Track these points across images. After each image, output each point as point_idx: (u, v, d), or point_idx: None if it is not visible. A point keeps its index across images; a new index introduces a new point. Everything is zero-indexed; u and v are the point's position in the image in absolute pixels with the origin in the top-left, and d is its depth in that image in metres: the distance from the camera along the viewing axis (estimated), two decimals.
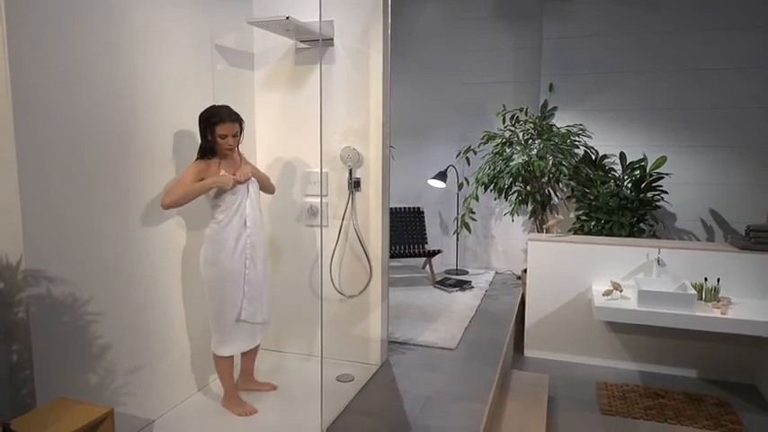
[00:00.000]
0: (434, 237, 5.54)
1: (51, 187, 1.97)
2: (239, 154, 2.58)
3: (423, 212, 5.29)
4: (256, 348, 2.78)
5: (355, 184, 3.05)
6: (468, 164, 5.03)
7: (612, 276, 3.72)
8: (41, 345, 1.94)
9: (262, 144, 3.20)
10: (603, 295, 3.50)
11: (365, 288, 3.11)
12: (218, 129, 2.39)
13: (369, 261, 3.08)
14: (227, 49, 2.91)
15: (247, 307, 2.53)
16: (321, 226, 2.79)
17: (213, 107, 2.45)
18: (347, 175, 3.04)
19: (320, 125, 2.35)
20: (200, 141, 2.47)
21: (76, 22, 2.04)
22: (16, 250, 1.87)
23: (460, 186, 5.22)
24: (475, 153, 4.89)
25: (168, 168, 2.54)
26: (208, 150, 2.44)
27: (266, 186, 2.71)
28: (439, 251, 5.11)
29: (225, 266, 2.47)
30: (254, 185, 2.55)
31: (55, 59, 1.96)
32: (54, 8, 1.94)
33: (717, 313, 3.20)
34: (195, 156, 2.48)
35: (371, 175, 3.06)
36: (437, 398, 2.76)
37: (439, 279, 4.95)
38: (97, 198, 2.17)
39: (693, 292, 3.29)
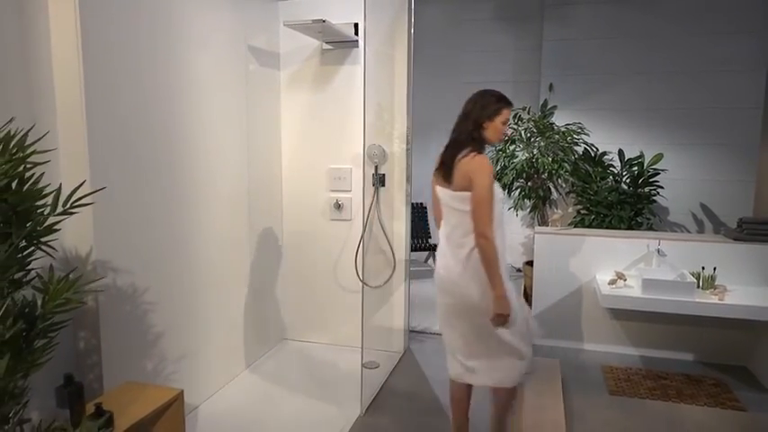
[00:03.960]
0: (435, 231, 5.68)
1: (117, 183, 2.07)
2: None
3: (425, 208, 5.45)
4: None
5: (380, 180, 3.18)
6: None
7: (615, 267, 3.92)
8: (108, 332, 2.05)
9: (287, 141, 3.32)
10: (609, 284, 3.70)
11: (389, 279, 3.26)
12: (504, 113, 2.02)
13: (393, 253, 3.22)
14: (258, 50, 3.02)
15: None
16: (364, 221, 2.91)
17: (489, 90, 2.07)
18: (372, 171, 3.17)
19: (363, 125, 2.47)
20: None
21: (137, 27, 2.14)
22: (87, 242, 1.97)
23: None
24: None
25: (219, 167, 2.64)
26: (479, 143, 2.05)
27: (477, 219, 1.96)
28: None
29: None
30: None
31: (122, 63, 2.06)
32: (117, 14, 2.04)
33: (715, 299, 3.42)
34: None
35: (395, 171, 3.21)
36: None
37: None
38: (154, 194, 2.27)
39: (693, 280, 3.52)
